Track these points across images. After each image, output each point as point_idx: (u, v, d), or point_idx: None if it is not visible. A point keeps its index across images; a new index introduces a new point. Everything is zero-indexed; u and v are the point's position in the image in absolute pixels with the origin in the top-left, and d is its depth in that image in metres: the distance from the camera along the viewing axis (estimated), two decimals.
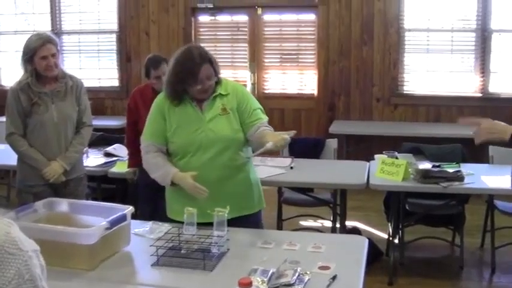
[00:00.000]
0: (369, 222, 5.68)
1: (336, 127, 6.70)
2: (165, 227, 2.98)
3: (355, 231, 5.00)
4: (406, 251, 4.80)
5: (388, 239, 4.88)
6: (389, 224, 4.78)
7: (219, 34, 7.62)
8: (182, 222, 2.87)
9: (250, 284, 1.96)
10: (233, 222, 2.98)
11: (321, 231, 4.88)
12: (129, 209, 2.77)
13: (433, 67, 7.05)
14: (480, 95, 6.90)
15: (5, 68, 8.24)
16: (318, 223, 5.53)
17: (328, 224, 5.20)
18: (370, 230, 5.52)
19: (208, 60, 2.98)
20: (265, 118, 3.11)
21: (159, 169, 3.03)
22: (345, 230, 4.65)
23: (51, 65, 3.72)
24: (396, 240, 4.64)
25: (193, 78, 2.95)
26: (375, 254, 4.63)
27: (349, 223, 5.00)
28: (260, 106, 3.16)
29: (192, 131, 3.02)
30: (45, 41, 3.71)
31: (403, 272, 4.61)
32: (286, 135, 2.86)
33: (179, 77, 2.98)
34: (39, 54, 3.69)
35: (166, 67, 4.23)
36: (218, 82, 3.08)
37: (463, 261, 4.68)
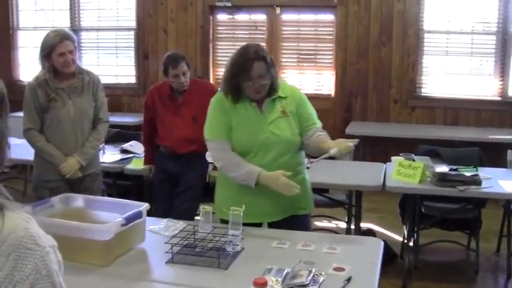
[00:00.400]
0: (384, 224, 5.65)
1: (353, 128, 6.67)
2: (180, 224, 2.98)
3: (369, 233, 4.97)
4: (420, 254, 4.77)
5: (403, 241, 4.85)
6: (405, 227, 4.75)
7: (237, 33, 7.61)
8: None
9: (266, 284, 1.95)
10: (286, 222, 3.05)
11: (336, 232, 4.85)
12: (144, 206, 2.77)
13: (452, 70, 6.99)
14: (499, 98, 6.84)
15: (24, 63, 8.31)
16: (332, 224, 5.51)
17: (342, 225, 5.18)
18: (385, 232, 5.49)
19: (262, 58, 2.96)
20: (319, 123, 3.13)
21: (241, 168, 2.97)
22: (359, 231, 4.62)
23: (68, 62, 3.74)
24: (411, 243, 4.61)
25: (245, 73, 2.93)
26: (389, 256, 4.59)
27: (363, 225, 4.97)
28: (314, 111, 3.17)
29: (253, 132, 3.01)
30: (63, 37, 3.73)
31: (418, 275, 4.57)
32: (350, 143, 2.86)
33: (232, 71, 2.98)
34: (57, 51, 3.71)
35: (185, 66, 4.25)
36: (275, 85, 3.05)
37: (478, 265, 4.63)
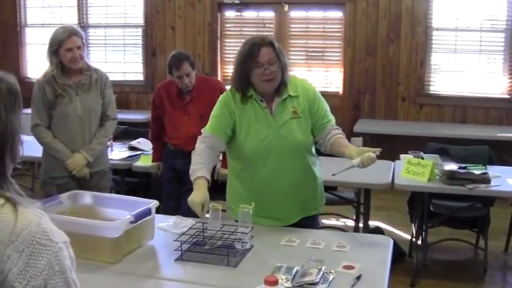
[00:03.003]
0: (392, 223, 5.63)
1: (361, 126, 6.65)
2: (189, 222, 2.98)
3: (377, 231, 4.96)
4: (429, 252, 4.75)
5: (411, 239, 4.84)
6: (413, 225, 4.73)
7: (244, 30, 7.59)
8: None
9: (277, 282, 1.94)
10: (299, 224, 3.01)
11: (344, 230, 4.84)
12: (153, 203, 2.76)
13: (461, 67, 6.95)
14: (508, 96, 6.79)
15: (32, 60, 8.32)
16: (340, 222, 5.50)
17: (350, 223, 5.16)
18: (393, 230, 5.47)
19: (269, 43, 2.87)
20: (333, 119, 3.04)
21: (193, 164, 2.86)
22: (367, 229, 4.61)
23: (76, 57, 3.76)
24: (419, 242, 4.59)
25: (253, 59, 2.83)
26: (397, 254, 4.58)
27: (372, 223, 4.96)
28: (327, 105, 3.09)
29: (263, 137, 2.91)
30: (71, 33, 3.75)
31: (426, 274, 4.56)
32: (373, 154, 2.78)
33: (240, 61, 2.88)
34: (65, 47, 3.72)
35: (189, 67, 4.22)
36: (285, 79, 2.94)
37: (486, 264, 4.61)
